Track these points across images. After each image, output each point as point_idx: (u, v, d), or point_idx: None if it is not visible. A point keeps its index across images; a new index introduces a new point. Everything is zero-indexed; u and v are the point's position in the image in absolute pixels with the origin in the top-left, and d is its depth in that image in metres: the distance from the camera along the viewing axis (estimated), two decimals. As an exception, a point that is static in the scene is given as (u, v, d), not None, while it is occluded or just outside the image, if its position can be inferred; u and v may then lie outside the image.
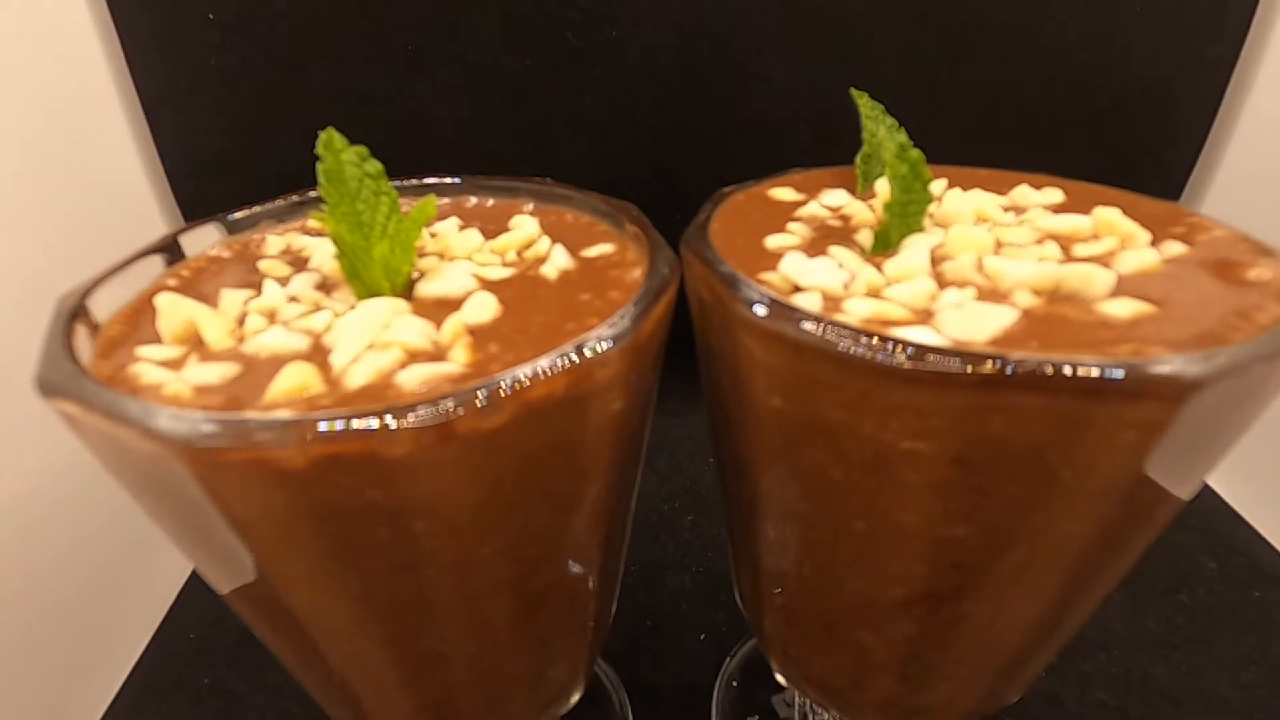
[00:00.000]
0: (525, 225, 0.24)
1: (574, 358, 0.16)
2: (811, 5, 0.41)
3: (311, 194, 0.26)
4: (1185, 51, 0.43)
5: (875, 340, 0.15)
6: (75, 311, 0.18)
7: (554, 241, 0.23)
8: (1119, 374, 0.14)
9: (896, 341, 0.15)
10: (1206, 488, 0.49)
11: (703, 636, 0.41)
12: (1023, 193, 0.24)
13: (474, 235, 0.23)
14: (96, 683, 0.37)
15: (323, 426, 0.13)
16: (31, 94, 0.37)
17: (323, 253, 0.23)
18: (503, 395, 0.15)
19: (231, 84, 0.41)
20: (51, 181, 0.38)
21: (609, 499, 0.21)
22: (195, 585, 0.44)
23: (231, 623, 0.41)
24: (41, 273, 0.36)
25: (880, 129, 0.22)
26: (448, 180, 0.28)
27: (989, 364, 0.14)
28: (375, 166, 0.21)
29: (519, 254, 0.23)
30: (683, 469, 0.54)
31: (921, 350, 0.15)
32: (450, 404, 0.14)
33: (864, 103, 0.25)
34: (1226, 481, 0.49)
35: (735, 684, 0.38)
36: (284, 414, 0.14)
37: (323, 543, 0.16)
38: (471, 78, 0.41)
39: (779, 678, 0.28)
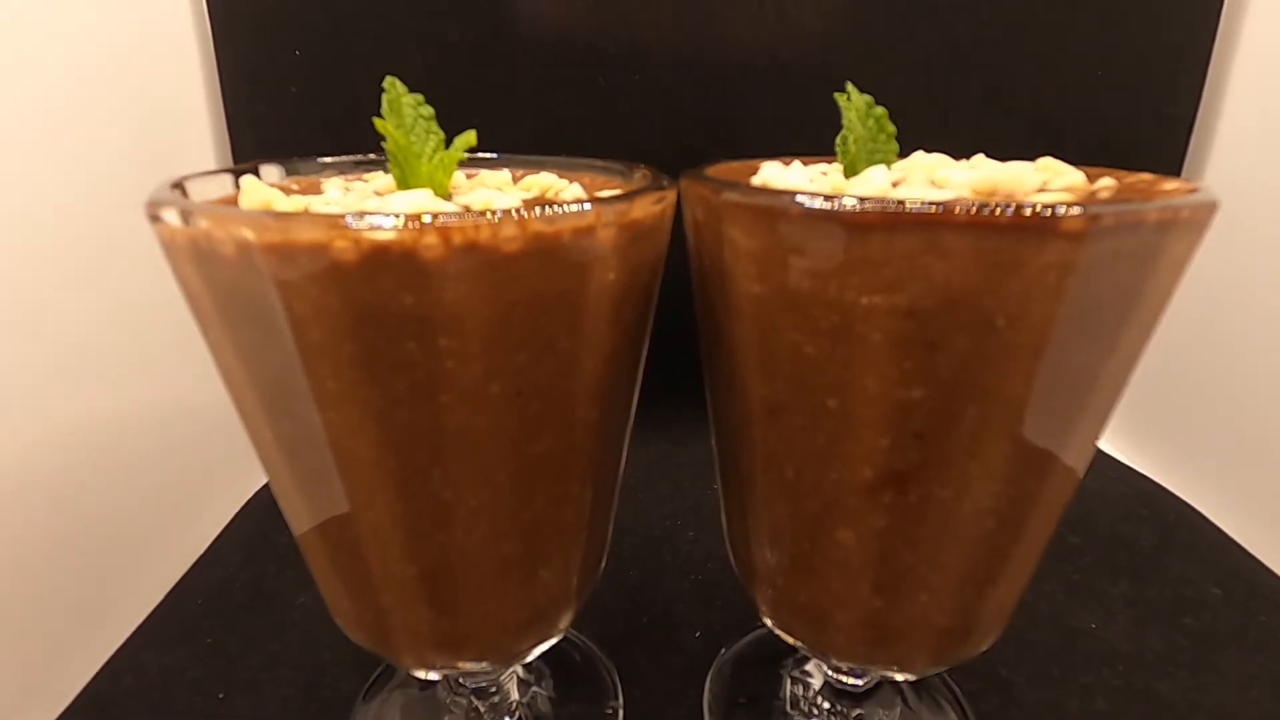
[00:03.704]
0: (549, 176, 0.28)
1: (578, 207, 0.19)
2: (808, 58, 0.47)
3: (373, 156, 0.31)
4: (1146, 111, 0.48)
5: (831, 198, 0.18)
6: (176, 183, 0.22)
7: (571, 183, 0.27)
8: (1028, 210, 0.17)
9: (849, 197, 0.18)
10: (1206, 521, 0.49)
11: (698, 633, 0.41)
12: (980, 159, 0.28)
13: (504, 174, 0.27)
14: (107, 630, 0.38)
15: (375, 219, 0.17)
16: (122, 92, 0.43)
17: (377, 182, 0.27)
18: (518, 218, 0.18)
19: (307, 93, 0.47)
20: (122, 180, 0.43)
21: (605, 381, 0.23)
22: (210, 556, 0.45)
23: (237, 595, 0.42)
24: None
25: (853, 95, 0.26)
26: (483, 155, 0.32)
27: (920, 203, 0.17)
28: (429, 110, 0.26)
29: (541, 191, 0.27)
30: (685, 491, 0.55)
31: (866, 200, 0.18)
32: (475, 218, 0.17)
33: (840, 98, 0.30)
34: (1229, 514, 0.49)
35: (728, 674, 0.37)
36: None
37: (360, 351, 0.19)
38: (512, 110, 0.47)
39: (767, 621, 0.29)
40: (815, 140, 0.49)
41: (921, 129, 0.49)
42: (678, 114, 0.47)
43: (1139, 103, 0.48)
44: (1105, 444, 0.61)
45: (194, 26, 0.47)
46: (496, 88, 0.49)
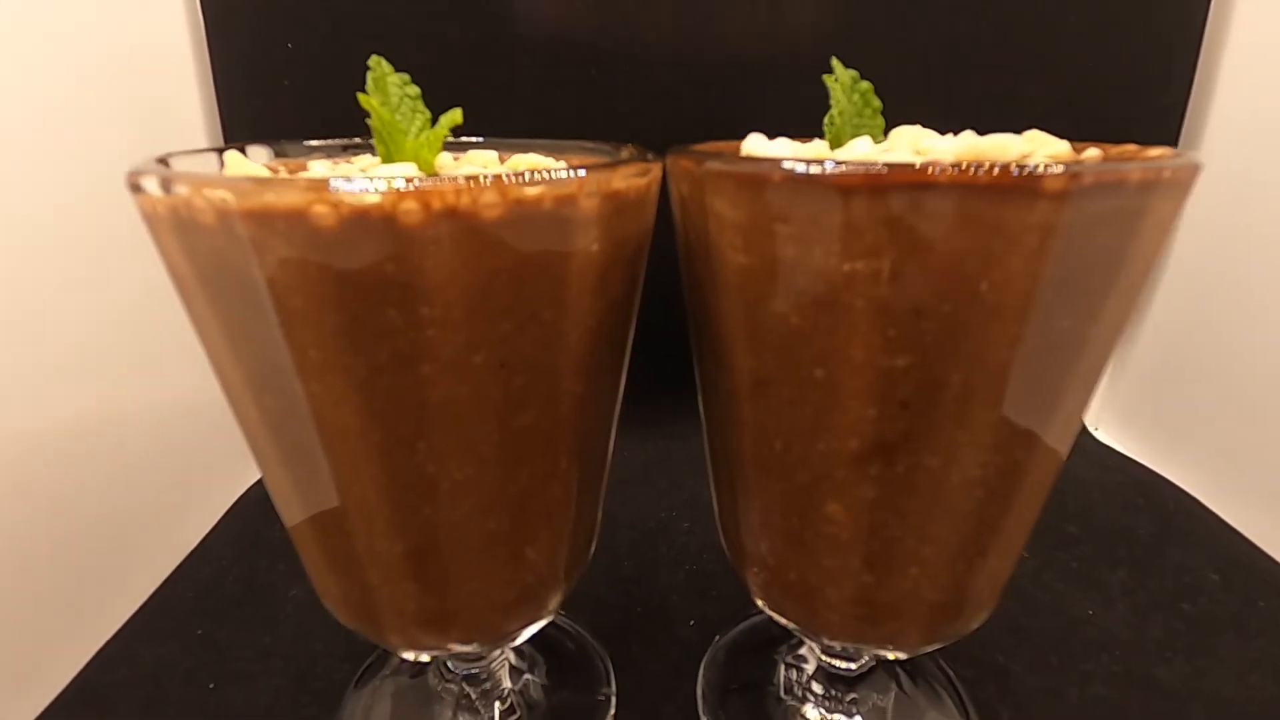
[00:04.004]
0: (535, 156, 0.28)
1: (560, 174, 0.19)
2: (804, 54, 0.47)
3: (359, 140, 0.31)
4: (1138, 100, 0.48)
5: (814, 161, 0.18)
6: (160, 159, 0.22)
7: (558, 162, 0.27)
8: (1010, 170, 0.17)
9: (830, 160, 0.18)
10: (1204, 509, 0.49)
11: (692, 623, 0.40)
12: (967, 134, 0.28)
13: (491, 154, 0.27)
14: (100, 623, 0.38)
15: (355, 183, 0.17)
16: (119, 99, 0.44)
17: (364, 162, 0.27)
18: (499, 185, 0.18)
19: (301, 89, 0.48)
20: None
21: (591, 356, 0.23)
22: (202, 551, 0.45)
23: (229, 589, 0.42)
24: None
25: (838, 70, 0.26)
26: (471, 139, 0.32)
27: (902, 164, 0.17)
28: (415, 90, 0.26)
29: (528, 168, 0.27)
30: (682, 485, 0.55)
31: (848, 162, 0.18)
32: (456, 183, 0.17)
33: (828, 78, 0.30)
34: (1226, 502, 0.49)
35: (722, 661, 0.37)
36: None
37: (341, 319, 0.18)
38: (510, 107, 0.47)
39: (759, 603, 0.29)
40: (810, 136, 0.49)
41: (916, 122, 0.50)
42: (674, 111, 0.48)
43: (1131, 91, 0.48)
44: (1102, 434, 0.61)
45: (188, 22, 0.47)
46: (494, 85, 0.49)
